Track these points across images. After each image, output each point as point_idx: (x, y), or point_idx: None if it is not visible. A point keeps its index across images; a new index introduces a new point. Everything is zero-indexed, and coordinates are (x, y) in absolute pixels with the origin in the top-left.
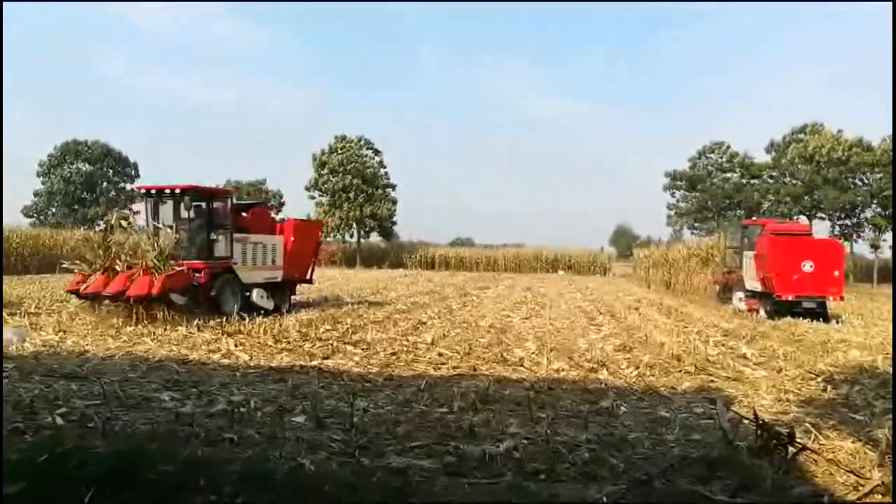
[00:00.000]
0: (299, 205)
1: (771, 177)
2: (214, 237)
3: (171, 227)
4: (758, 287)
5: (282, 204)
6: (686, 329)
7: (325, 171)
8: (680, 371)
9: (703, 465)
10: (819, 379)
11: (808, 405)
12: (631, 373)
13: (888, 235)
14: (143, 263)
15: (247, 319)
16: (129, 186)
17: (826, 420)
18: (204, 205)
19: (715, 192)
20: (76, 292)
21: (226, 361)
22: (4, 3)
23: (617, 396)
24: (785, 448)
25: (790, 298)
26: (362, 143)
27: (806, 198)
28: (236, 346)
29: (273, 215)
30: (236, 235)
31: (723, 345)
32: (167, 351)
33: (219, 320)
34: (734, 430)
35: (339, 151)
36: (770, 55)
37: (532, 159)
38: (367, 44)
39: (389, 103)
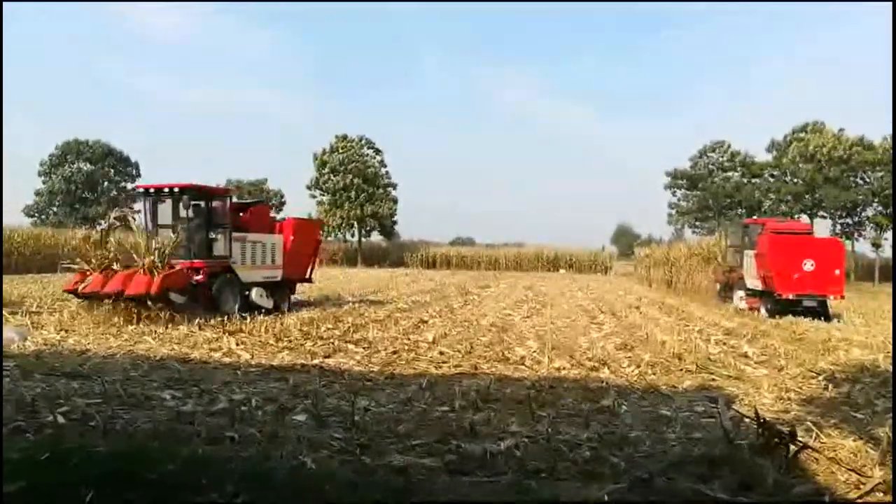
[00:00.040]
0: (300, 204)
1: (772, 176)
2: (213, 236)
3: (170, 227)
4: (759, 286)
5: (283, 203)
6: (687, 328)
7: (327, 170)
8: (681, 370)
9: (705, 463)
10: (820, 377)
11: (810, 404)
12: (632, 371)
13: (889, 234)
14: (142, 262)
15: (248, 318)
16: (130, 186)
17: (827, 419)
18: (203, 204)
19: (716, 191)
20: (74, 291)
21: (227, 360)
22: (4, 3)
23: (618, 395)
24: (786, 446)
25: (791, 297)
26: (363, 142)
27: (807, 196)
28: (237, 344)
29: (272, 214)
30: (235, 234)
31: (724, 343)
32: (168, 350)
33: (220, 319)
34: (735, 429)
35: (340, 151)
36: (770, 55)
37: (532, 159)
38: (368, 44)
39: (390, 103)
